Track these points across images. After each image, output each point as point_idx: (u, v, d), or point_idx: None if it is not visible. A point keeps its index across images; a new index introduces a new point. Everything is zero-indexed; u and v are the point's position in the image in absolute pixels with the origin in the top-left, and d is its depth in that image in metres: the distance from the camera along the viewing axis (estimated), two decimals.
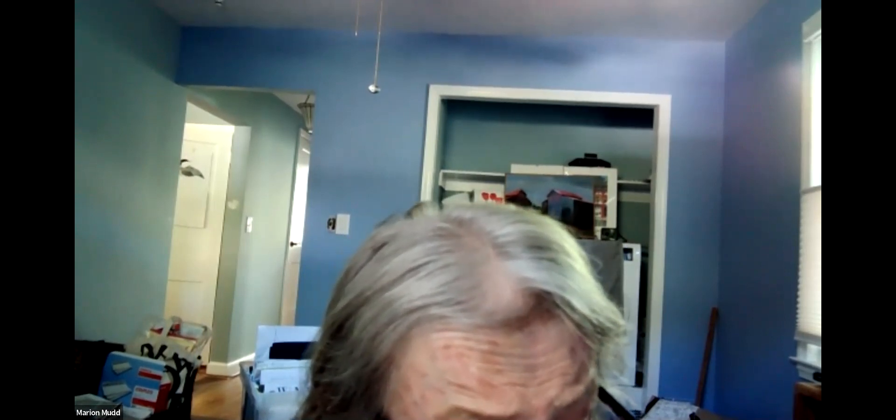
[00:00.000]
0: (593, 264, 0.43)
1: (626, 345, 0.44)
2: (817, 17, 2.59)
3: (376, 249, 0.42)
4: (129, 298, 3.68)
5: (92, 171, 3.30)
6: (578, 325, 0.38)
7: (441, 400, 0.37)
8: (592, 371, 0.40)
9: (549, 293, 0.38)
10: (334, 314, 0.42)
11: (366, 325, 0.39)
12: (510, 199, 4.45)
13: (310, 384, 0.45)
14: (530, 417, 0.37)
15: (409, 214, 0.46)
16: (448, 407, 0.37)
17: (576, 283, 0.39)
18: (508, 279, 0.38)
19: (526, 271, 0.38)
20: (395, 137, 3.90)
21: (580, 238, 0.46)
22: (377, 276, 0.40)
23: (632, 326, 3.93)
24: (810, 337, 2.48)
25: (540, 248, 0.39)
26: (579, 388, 0.38)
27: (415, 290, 0.38)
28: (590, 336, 0.39)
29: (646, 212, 4.20)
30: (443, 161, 4.66)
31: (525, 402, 0.37)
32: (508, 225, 0.40)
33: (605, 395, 0.42)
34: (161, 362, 2.71)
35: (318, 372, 0.44)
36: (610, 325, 0.40)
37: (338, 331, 0.42)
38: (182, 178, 4.42)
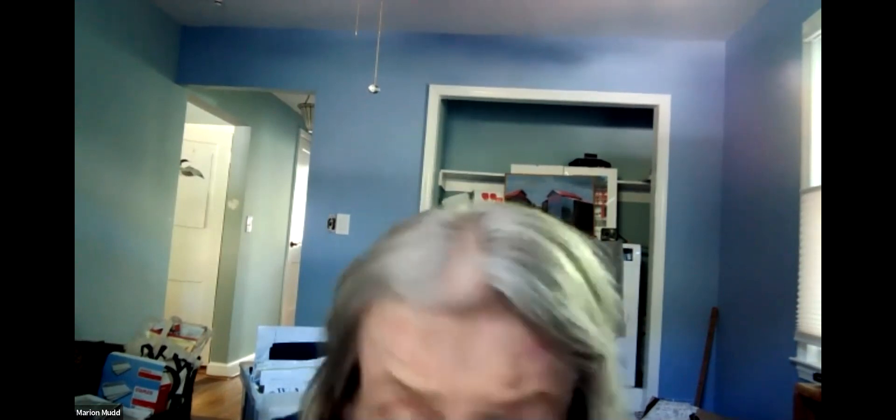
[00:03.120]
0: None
1: (610, 371, 0.42)
2: (817, 17, 2.59)
3: (393, 229, 0.44)
4: (129, 298, 3.68)
5: (92, 171, 3.30)
6: (532, 332, 0.38)
7: (379, 366, 0.40)
8: (544, 386, 0.38)
9: (504, 295, 0.37)
10: (337, 282, 0.46)
11: (344, 292, 0.43)
12: (510, 199, 4.45)
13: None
14: (452, 402, 0.37)
15: (440, 206, 0.49)
16: (383, 373, 0.39)
17: (540, 290, 0.38)
18: (472, 270, 0.38)
19: (494, 268, 0.38)
20: (395, 137, 3.90)
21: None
22: (369, 251, 0.43)
23: (631, 330, 3.93)
24: (810, 337, 2.48)
25: (524, 251, 0.39)
26: (511, 393, 0.37)
27: (386, 263, 0.40)
28: (545, 347, 0.38)
29: (646, 212, 4.20)
30: (443, 161, 4.66)
31: (448, 386, 0.37)
32: (510, 224, 0.40)
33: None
34: (161, 363, 2.70)
35: (324, 336, 0.47)
36: (571, 344, 0.38)
37: (334, 299, 0.46)
38: (182, 178, 4.42)
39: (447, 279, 0.38)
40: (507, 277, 0.37)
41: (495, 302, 0.37)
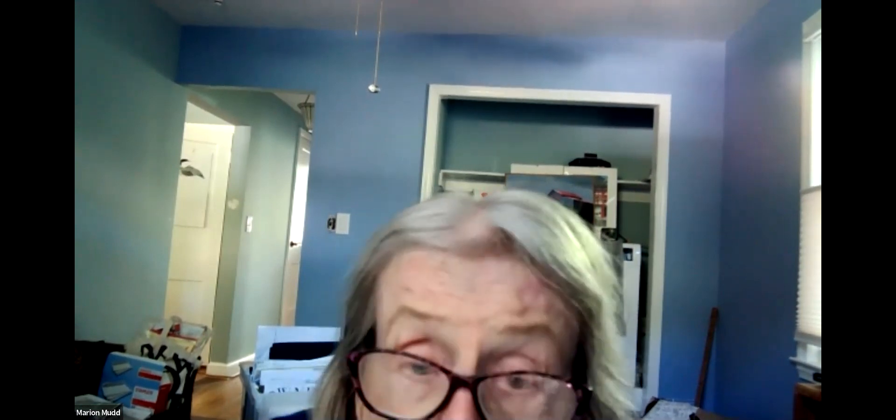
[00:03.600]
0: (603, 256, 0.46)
1: (606, 326, 0.44)
2: (817, 17, 2.59)
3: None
4: (129, 298, 3.68)
5: (92, 171, 3.30)
6: (535, 271, 0.41)
7: (394, 303, 0.43)
8: (547, 320, 0.41)
9: (508, 234, 0.41)
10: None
11: (366, 252, 0.47)
12: None
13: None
14: (461, 326, 0.39)
15: None
16: (397, 307, 0.42)
17: (542, 236, 0.41)
18: (484, 221, 0.42)
19: (499, 217, 0.42)
20: (395, 137, 3.90)
21: None
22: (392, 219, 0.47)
23: (631, 330, 3.93)
24: (810, 337, 2.48)
25: (526, 207, 0.43)
26: (517, 320, 0.40)
27: (406, 220, 0.44)
28: (546, 284, 0.41)
29: (646, 212, 4.20)
30: (443, 161, 4.66)
31: (457, 312, 0.40)
32: (517, 193, 0.45)
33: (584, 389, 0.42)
34: (161, 363, 2.70)
35: (344, 317, 0.49)
36: (569, 281, 0.41)
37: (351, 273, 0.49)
38: (182, 178, 4.42)
39: (460, 228, 0.42)
40: (513, 223, 0.41)
41: (501, 245, 0.41)
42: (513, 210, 0.42)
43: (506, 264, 0.41)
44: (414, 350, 0.41)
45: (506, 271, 0.41)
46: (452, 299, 0.40)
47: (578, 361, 0.43)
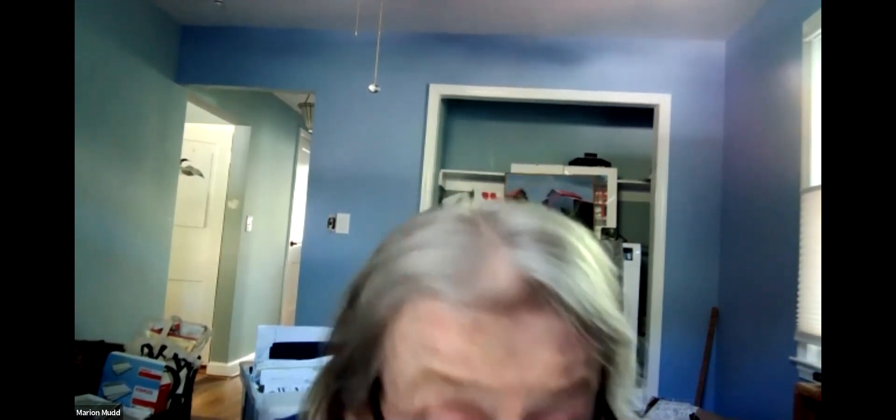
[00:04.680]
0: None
1: (630, 361, 0.42)
2: (817, 17, 2.59)
3: (406, 228, 0.43)
4: (129, 298, 3.68)
5: (92, 170, 3.30)
6: (574, 323, 0.38)
7: (416, 364, 0.38)
8: (587, 373, 0.39)
9: (543, 284, 0.37)
10: (352, 281, 0.44)
11: (369, 291, 0.41)
12: (510, 198, 4.45)
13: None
14: (503, 395, 0.37)
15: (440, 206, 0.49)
16: (421, 369, 0.38)
17: (576, 280, 0.38)
18: (508, 265, 0.38)
19: (526, 260, 0.38)
20: (395, 137, 3.90)
21: None
22: (392, 249, 0.42)
23: (631, 325, 3.92)
24: (810, 337, 2.48)
25: (549, 242, 0.39)
26: (562, 382, 0.37)
27: (415, 262, 0.39)
28: (585, 337, 0.38)
29: (646, 211, 4.20)
30: (443, 161, 4.66)
31: (499, 379, 0.36)
32: (527, 218, 0.41)
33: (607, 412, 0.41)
34: (161, 362, 2.70)
35: (332, 335, 0.45)
36: (609, 331, 0.39)
37: (352, 297, 0.44)
38: (182, 178, 4.42)
39: (483, 274, 0.38)
40: (544, 269, 0.38)
41: (534, 294, 0.38)
42: (535, 246, 0.39)
43: (543, 319, 0.38)
44: (445, 416, 0.37)
45: (546, 327, 0.38)
46: (492, 365, 0.37)
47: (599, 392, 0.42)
